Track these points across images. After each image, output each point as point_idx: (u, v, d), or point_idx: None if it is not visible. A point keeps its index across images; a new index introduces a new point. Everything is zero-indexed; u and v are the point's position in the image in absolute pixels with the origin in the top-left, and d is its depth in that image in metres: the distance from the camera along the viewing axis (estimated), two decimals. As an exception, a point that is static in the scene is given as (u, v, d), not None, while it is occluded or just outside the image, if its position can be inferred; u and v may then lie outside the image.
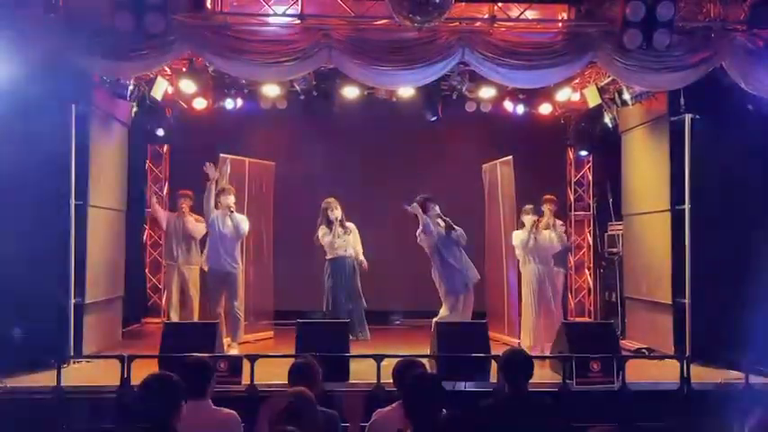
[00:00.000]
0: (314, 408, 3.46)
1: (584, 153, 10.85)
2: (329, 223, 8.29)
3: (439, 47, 6.66)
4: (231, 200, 7.99)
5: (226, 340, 7.75)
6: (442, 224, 7.90)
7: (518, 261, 8.27)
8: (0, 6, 6.31)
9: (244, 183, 8.70)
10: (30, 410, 5.84)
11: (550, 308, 8.00)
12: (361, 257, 8.40)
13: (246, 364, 5.97)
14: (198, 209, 8.49)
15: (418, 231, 7.86)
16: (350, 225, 8.27)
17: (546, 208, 8.22)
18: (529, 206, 8.17)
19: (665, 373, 6.65)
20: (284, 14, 6.71)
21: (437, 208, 7.91)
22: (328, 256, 8.14)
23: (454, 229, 7.88)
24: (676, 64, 6.70)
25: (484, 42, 6.68)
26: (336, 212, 8.12)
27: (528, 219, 8.07)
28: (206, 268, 8.25)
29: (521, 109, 9.85)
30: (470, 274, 7.97)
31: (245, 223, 8.12)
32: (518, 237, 8.10)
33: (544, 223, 8.12)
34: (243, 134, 10.07)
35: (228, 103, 9.38)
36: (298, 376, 4.09)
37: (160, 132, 9.57)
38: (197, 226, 8.58)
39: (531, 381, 4.21)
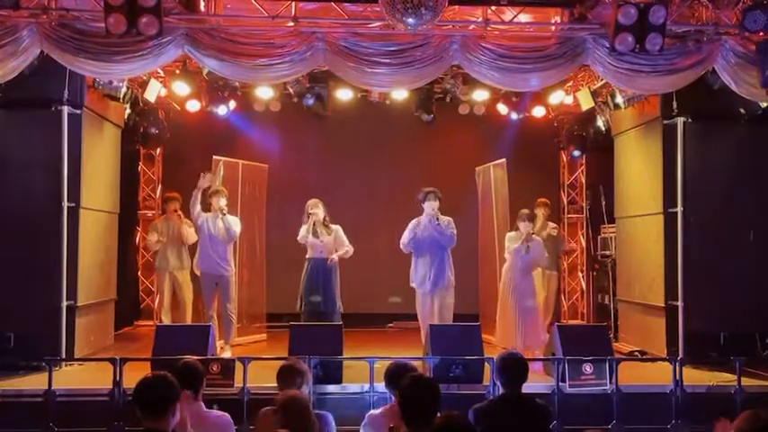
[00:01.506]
0: (308, 411, 3.47)
1: (577, 153, 10.80)
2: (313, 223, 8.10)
3: (432, 50, 6.66)
4: (223, 202, 7.95)
5: (219, 343, 7.72)
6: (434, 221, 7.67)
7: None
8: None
9: (237, 185, 8.68)
10: (21, 413, 5.82)
11: (529, 317, 7.92)
12: (336, 255, 7.93)
13: (239, 367, 5.95)
14: (186, 213, 8.50)
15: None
16: (334, 227, 8.04)
17: (539, 212, 8.22)
18: (524, 211, 8.11)
19: (657, 376, 6.67)
20: (278, 16, 6.70)
21: (435, 205, 7.66)
22: (307, 255, 8.06)
23: (438, 223, 7.64)
24: (669, 67, 6.72)
25: (477, 46, 6.68)
26: (316, 211, 7.90)
27: (523, 226, 8.01)
28: (198, 272, 8.21)
29: (514, 112, 9.85)
30: (430, 279, 7.71)
31: (236, 225, 8.09)
32: (510, 241, 8.06)
33: (538, 228, 8.12)
34: (236, 136, 10.08)
35: (222, 110, 9.30)
36: (286, 378, 4.09)
37: (153, 133, 9.54)
38: (190, 231, 8.52)
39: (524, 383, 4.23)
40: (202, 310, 8.19)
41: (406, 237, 7.83)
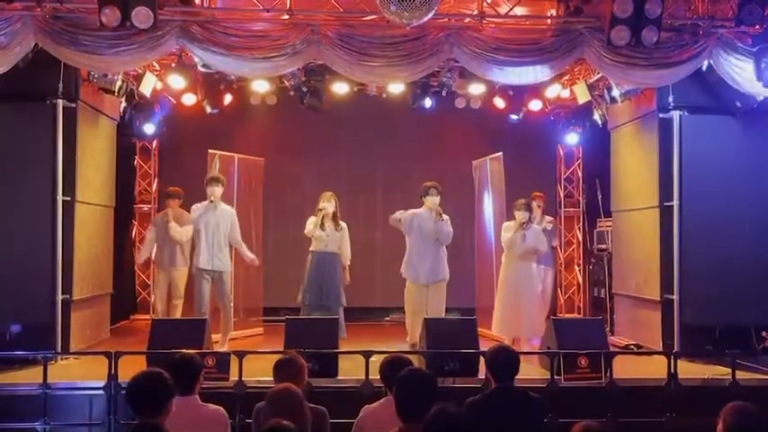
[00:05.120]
0: (301, 403, 3.46)
1: (573, 141, 10.73)
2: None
3: (428, 43, 6.65)
4: (216, 192, 7.82)
5: (215, 337, 7.70)
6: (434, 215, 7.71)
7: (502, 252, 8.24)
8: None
9: (233, 179, 8.66)
10: (17, 407, 5.81)
11: (528, 305, 7.86)
12: (347, 261, 8.14)
13: (235, 361, 5.95)
14: (188, 204, 8.44)
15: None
16: (343, 224, 8.03)
17: (534, 205, 8.19)
18: (521, 201, 8.00)
19: (652, 369, 6.67)
20: (272, 9, 6.68)
21: (436, 200, 7.70)
22: (311, 248, 8.01)
23: (442, 219, 7.70)
24: (664, 61, 6.72)
25: (473, 39, 6.67)
26: (326, 205, 7.87)
27: (519, 215, 7.92)
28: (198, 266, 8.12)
29: (510, 105, 9.83)
30: (427, 271, 7.75)
31: (228, 218, 7.96)
32: (506, 231, 7.98)
33: (537, 219, 8.10)
34: (232, 130, 10.06)
35: (213, 110, 9.27)
36: (283, 372, 4.08)
37: (149, 128, 9.50)
38: (177, 230, 8.35)
39: (519, 377, 4.23)
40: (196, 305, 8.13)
41: (401, 215, 7.83)
